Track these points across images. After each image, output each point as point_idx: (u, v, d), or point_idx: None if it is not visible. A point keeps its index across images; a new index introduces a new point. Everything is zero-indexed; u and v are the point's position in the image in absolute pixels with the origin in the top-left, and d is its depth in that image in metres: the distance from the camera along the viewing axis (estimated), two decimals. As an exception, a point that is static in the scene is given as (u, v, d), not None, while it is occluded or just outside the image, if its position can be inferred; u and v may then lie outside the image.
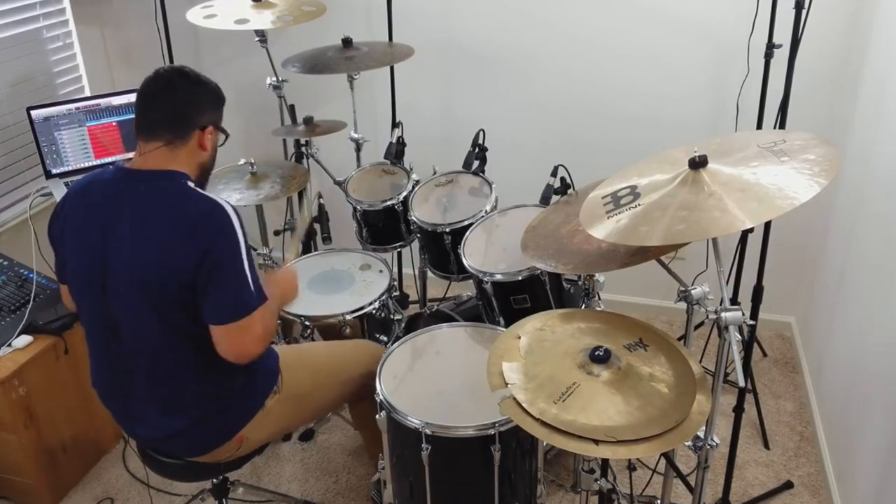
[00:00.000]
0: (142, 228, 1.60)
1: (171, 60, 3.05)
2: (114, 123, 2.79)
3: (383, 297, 2.26)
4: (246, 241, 1.62)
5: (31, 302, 2.38)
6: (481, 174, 2.49)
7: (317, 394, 1.95)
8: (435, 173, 2.56)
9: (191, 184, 1.66)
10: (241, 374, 1.74)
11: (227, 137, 1.79)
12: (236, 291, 1.60)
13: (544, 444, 1.91)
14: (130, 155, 1.71)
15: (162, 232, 1.59)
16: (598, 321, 1.60)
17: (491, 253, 2.15)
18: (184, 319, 1.63)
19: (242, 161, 2.50)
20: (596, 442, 1.30)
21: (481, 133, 2.48)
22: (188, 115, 1.66)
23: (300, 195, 2.62)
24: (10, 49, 2.82)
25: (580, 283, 2.07)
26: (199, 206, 1.60)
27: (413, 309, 2.85)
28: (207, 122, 1.69)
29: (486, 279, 2.06)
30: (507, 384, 1.43)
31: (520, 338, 1.57)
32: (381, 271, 2.38)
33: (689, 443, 1.55)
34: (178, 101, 1.66)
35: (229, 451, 1.80)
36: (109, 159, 2.81)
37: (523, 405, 1.37)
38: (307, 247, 2.97)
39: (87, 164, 2.77)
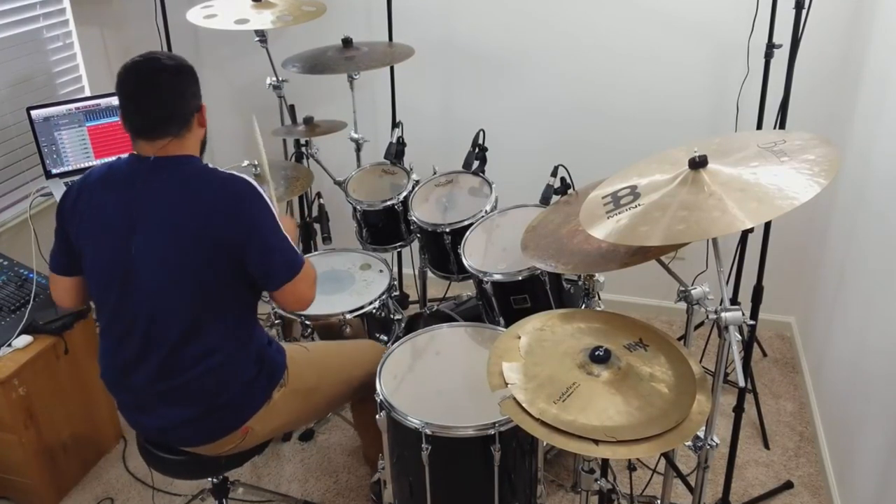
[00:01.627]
0: (175, 212, 1.63)
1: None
2: (114, 123, 2.79)
3: (383, 297, 2.26)
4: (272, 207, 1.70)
5: (31, 302, 2.38)
6: (481, 174, 2.49)
7: (321, 390, 1.96)
8: (435, 173, 2.56)
9: (209, 164, 1.72)
10: (250, 367, 1.76)
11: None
12: (286, 254, 1.70)
13: (544, 444, 1.91)
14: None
15: (198, 211, 1.62)
16: (598, 321, 1.60)
17: (491, 253, 2.15)
18: (210, 303, 1.67)
19: (246, 163, 2.50)
20: (596, 442, 1.30)
21: (481, 133, 2.48)
22: (184, 106, 1.68)
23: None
24: (10, 49, 2.81)
25: (580, 283, 2.07)
26: (232, 185, 1.65)
27: (413, 309, 2.85)
28: (199, 102, 1.72)
29: (486, 279, 2.06)
30: (507, 384, 1.43)
31: (520, 338, 1.57)
32: (381, 271, 2.39)
33: (689, 443, 1.55)
34: (171, 97, 1.67)
35: (234, 441, 1.81)
36: (109, 159, 2.80)
37: (523, 405, 1.37)
38: (308, 246, 2.97)
39: (87, 164, 2.77)
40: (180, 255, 1.63)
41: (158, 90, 1.66)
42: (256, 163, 2.49)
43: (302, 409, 1.94)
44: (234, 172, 1.69)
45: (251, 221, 1.64)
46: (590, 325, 1.59)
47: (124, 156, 1.73)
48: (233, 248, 1.64)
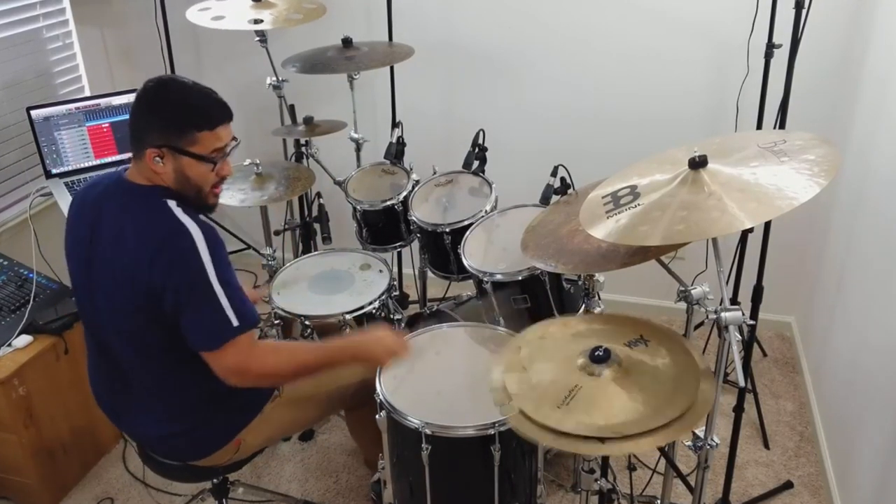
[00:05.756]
0: (118, 244, 1.58)
1: (171, 60, 3.05)
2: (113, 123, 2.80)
3: (383, 297, 2.26)
4: (219, 264, 1.55)
5: (31, 302, 2.38)
6: (481, 174, 2.49)
7: (316, 399, 1.95)
8: (435, 173, 2.56)
9: (170, 202, 1.59)
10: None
11: (215, 164, 1.63)
12: (211, 318, 1.54)
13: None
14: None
15: (132, 250, 1.56)
16: (597, 323, 1.60)
17: (491, 253, 2.15)
18: (163, 335, 1.60)
19: (248, 161, 2.50)
20: (602, 440, 1.30)
21: (481, 133, 2.48)
22: (137, 133, 1.62)
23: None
24: (10, 49, 2.82)
25: (580, 282, 2.07)
26: (164, 230, 1.56)
27: (413, 309, 2.86)
28: (157, 144, 1.57)
29: (486, 279, 2.06)
30: (510, 399, 1.42)
31: (521, 349, 1.56)
32: (381, 271, 2.38)
33: (689, 443, 1.55)
34: (135, 118, 1.63)
35: (227, 454, 1.80)
36: (109, 159, 2.81)
37: (529, 416, 1.36)
38: (307, 246, 2.97)
39: (86, 164, 2.78)
40: (124, 293, 1.57)
41: (135, 104, 1.62)
42: (258, 161, 2.50)
43: (295, 419, 1.94)
44: (184, 219, 1.55)
45: (170, 271, 1.52)
46: (590, 328, 1.59)
47: (114, 172, 1.71)
48: (151, 293, 1.54)
